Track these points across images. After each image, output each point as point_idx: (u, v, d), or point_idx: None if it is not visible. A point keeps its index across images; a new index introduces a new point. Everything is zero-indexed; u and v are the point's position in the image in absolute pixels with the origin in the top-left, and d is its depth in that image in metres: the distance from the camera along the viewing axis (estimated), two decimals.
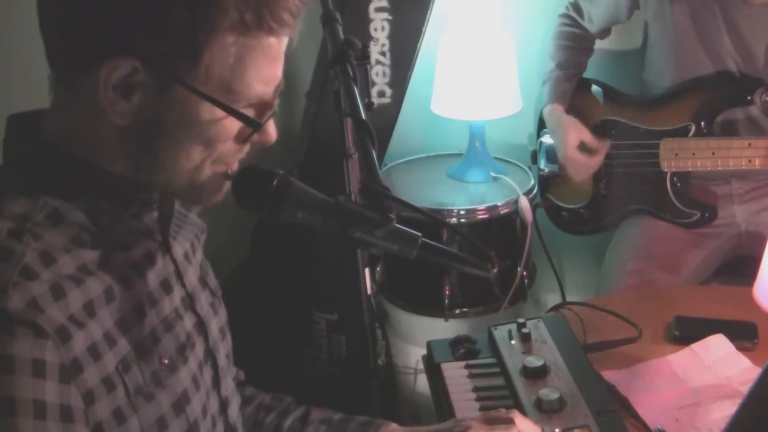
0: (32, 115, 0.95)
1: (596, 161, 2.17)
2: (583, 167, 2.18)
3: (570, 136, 2.16)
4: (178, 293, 1.01)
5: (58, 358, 0.82)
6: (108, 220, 0.92)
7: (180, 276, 1.03)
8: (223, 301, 1.16)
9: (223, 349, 1.11)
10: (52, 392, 0.82)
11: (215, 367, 1.07)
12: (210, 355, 1.06)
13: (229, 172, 0.96)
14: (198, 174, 0.93)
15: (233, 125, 0.91)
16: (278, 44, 0.90)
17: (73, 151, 0.91)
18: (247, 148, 0.96)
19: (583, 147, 2.16)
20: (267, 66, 0.90)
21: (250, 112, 0.92)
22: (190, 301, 1.04)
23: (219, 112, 0.89)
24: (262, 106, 0.93)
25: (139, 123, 0.88)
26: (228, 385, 1.11)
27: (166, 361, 0.95)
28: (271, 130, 0.96)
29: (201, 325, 1.05)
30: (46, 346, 0.81)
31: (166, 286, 0.99)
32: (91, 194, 0.91)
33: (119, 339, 0.90)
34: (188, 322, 1.02)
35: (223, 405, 1.09)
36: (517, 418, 1.18)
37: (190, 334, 1.01)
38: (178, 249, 1.04)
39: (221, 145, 0.92)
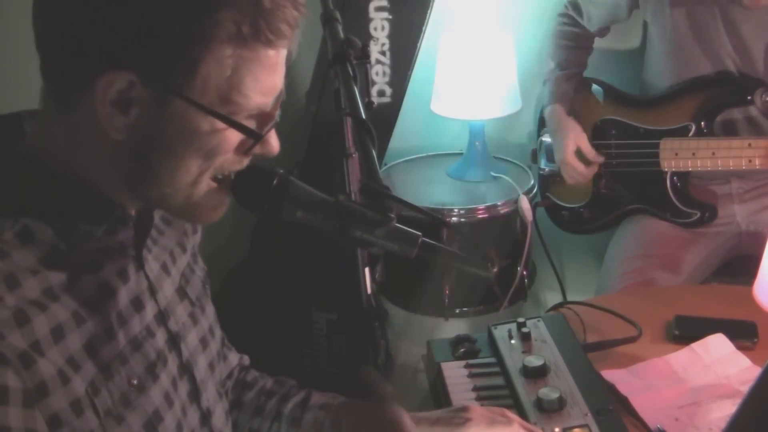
0: (9, 120, 0.93)
1: (590, 171, 2.20)
2: (577, 173, 2.19)
3: (569, 141, 2.17)
4: (150, 310, 0.99)
5: (21, 383, 0.81)
6: (80, 238, 0.91)
7: (153, 292, 1.01)
8: (211, 303, 1.14)
9: (204, 359, 1.09)
10: (16, 417, 0.81)
11: (192, 380, 1.05)
12: (185, 369, 1.04)
13: (225, 179, 0.94)
14: (195, 189, 0.91)
15: (234, 137, 0.90)
16: (276, 55, 0.89)
17: (54, 165, 0.89)
18: (247, 159, 0.95)
19: (579, 154, 2.17)
20: (265, 76, 0.89)
21: (251, 124, 0.91)
22: (162, 317, 1.02)
23: (219, 124, 0.87)
24: (263, 117, 0.92)
25: (136, 137, 0.87)
26: (210, 396, 1.09)
27: (135, 382, 0.93)
28: (273, 141, 0.94)
29: (173, 341, 1.03)
30: (8, 372, 0.80)
31: (137, 304, 0.97)
32: (63, 213, 0.89)
33: (86, 362, 0.88)
34: (160, 338, 1.00)
35: (205, 416, 1.07)
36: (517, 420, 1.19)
37: (161, 351, 0.99)
38: (153, 263, 1.02)
39: (221, 158, 0.91)
